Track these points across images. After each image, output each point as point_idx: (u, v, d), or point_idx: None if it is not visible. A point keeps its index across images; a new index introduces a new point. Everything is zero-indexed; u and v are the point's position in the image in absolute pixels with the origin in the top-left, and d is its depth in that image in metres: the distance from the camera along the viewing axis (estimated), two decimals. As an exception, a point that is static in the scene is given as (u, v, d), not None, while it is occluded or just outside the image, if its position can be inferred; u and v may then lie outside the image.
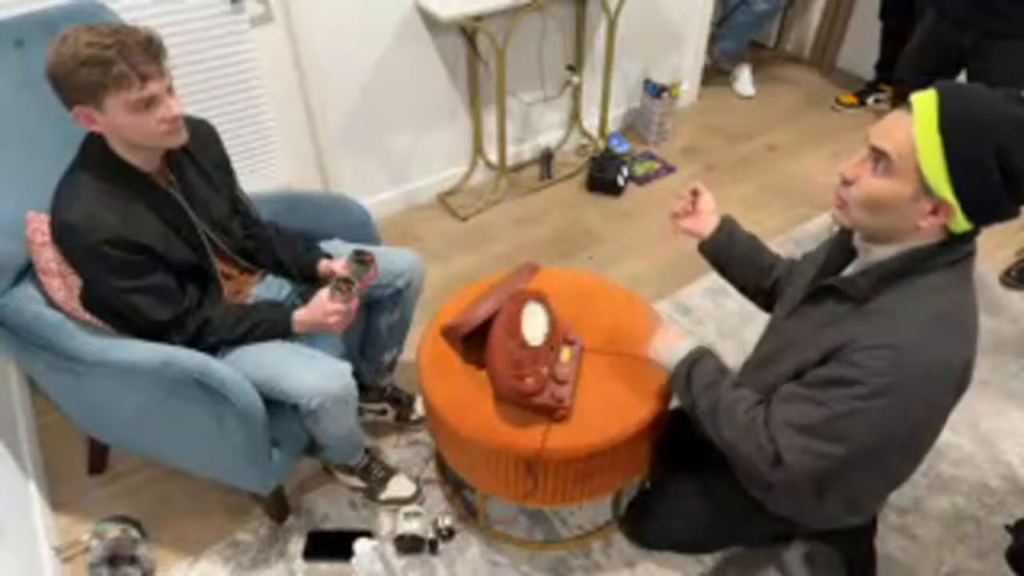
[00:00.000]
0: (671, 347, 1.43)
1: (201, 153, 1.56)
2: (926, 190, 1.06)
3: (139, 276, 1.43)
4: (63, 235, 1.39)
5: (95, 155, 1.40)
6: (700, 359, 1.39)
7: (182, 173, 1.51)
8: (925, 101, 1.06)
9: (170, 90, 1.35)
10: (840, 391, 1.14)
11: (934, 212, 1.08)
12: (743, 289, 1.63)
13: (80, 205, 1.36)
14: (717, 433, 1.33)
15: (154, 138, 1.36)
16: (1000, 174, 1.03)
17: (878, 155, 1.09)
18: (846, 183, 1.14)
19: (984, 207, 1.07)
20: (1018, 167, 1.02)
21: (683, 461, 1.66)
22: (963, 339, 1.12)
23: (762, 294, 1.59)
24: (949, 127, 1.03)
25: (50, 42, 1.27)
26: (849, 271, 1.26)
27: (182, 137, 1.41)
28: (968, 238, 1.13)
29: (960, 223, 1.09)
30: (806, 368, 1.22)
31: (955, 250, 1.12)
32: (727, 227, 1.57)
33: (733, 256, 1.58)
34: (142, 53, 1.27)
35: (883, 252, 1.16)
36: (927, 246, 1.13)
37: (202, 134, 1.57)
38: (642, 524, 1.73)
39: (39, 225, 1.48)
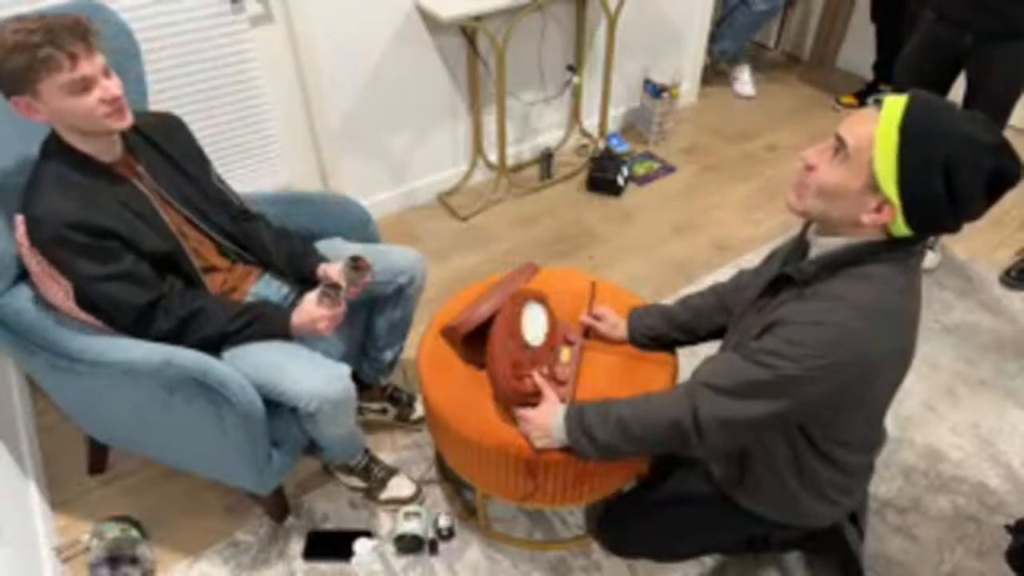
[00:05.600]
0: (550, 424, 1.40)
1: (168, 144, 1.56)
2: (875, 186, 1.10)
3: (107, 261, 1.41)
4: (32, 231, 1.39)
5: (54, 151, 1.40)
6: (579, 408, 1.38)
7: (149, 164, 1.51)
8: (896, 101, 1.10)
9: (107, 73, 1.35)
10: (763, 357, 1.18)
11: (878, 210, 1.12)
12: (702, 338, 1.63)
13: (41, 197, 1.37)
14: (642, 439, 1.32)
15: (97, 121, 1.36)
16: (945, 186, 1.05)
17: (839, 144, 1.14)
18: (808, 168, 1.18)
19: (925, 214, 1.09)
20: (962, 183, 1.05)
21: (662, 465, 1.67)
22: (884, 332, 1.14)
23: (716, 333, 1.61)
24: (908, 127, 1.07)
25: None
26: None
27: (127, 119, 1.39)
28: (913, 241, 1.15)
29: (900, 227, 1.12)
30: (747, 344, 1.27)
31: (901, 249, 1.15)
32: (635, 325, 1.63)
33: (663, 335, 1.62)
34: (68, 34, 1.27)
35: (831, 244, 1.20)
36: (874, 242, 1.16)
37: (167, 124, 1.59)
38: (616, 533, 1.69)
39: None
